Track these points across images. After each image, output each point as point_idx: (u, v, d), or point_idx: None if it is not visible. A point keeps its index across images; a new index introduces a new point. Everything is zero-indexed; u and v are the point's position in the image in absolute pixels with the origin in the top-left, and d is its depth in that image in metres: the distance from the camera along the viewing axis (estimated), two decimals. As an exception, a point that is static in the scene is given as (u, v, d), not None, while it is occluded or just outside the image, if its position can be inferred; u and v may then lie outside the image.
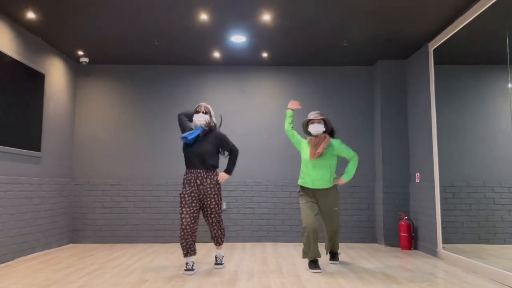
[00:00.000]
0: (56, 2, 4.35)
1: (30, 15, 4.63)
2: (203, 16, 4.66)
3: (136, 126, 6.40)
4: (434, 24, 4.86)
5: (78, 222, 6.18)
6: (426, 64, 5.44)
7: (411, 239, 5.64)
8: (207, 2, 4.34)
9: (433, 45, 5.20)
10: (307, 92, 6.48)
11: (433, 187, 5.14)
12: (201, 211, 4.43)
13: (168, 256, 5.04)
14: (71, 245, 6.02)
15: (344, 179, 4.30)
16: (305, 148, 4.32)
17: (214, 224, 4.24)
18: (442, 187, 4.95)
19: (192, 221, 4.00)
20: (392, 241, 5.89)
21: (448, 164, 4.86)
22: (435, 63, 5.22)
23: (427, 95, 5.40)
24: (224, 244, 6.04)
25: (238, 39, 5.35)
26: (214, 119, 4.34)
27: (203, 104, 4.29)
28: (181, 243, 4.01)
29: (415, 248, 5.67)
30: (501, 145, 3.82)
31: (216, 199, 4.19)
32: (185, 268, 4.05)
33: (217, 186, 4.20)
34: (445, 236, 4.88)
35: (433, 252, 5.11)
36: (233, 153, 4.32)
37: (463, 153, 4.53)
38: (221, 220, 4.28)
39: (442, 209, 4.94)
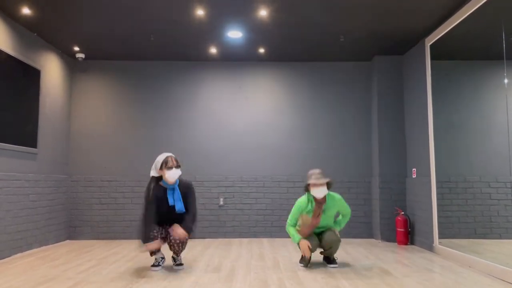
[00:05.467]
0: (52, -2, 4.32)
1: (26, 10, 4.60)
2: (199, 12, 4.65)
3: (132, 122, 6.38)
4: (430, 20, 4.86)
5: (75, 218, 6.18)
6: (422, 59, 5.44)
7: (407, 234, 5.66)
8: (204, -2, 4.32)
9: (430, 40, 5.20)
10: (303, 88, 6.48)
11: (430, 182, 5.16)
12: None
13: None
14: (68, 241, 6.01)
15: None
16: (309, 214, 4.20)
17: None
18: (439, 182, 4.97)
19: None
20: (389, 236, 5.91)
21: (444, 159, 4.87)
22: (431, 59, 5.22)
23: (423, 91, 5.40)
24: (221, 240, 6.05)
25: (234, 34, 5.34)
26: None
27: (171, 156, 3.99)
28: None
29: (412, 243, 5.70)
30: (497, 140, 3.83)
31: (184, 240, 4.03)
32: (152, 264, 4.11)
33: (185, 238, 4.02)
34: (442, 231, 4.90)
35: (430, 247, 5.13)
36: (192, 215, 4.02)
37: (459, 148, 4.55)
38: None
39: (438, 204, 4.96)
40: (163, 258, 4.21)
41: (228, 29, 5.18)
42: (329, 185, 4.20)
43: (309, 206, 4.19)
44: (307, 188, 4.23)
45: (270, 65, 6.52)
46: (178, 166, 3.98)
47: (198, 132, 6.38)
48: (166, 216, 4.04)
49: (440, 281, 3.58)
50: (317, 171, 4.19)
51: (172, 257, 4.21)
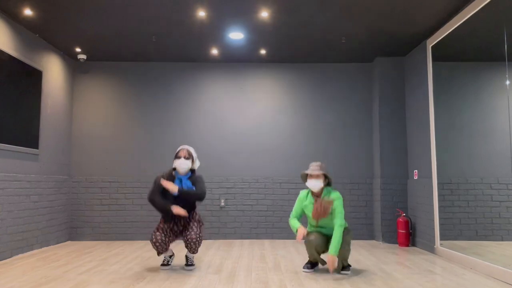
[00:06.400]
0: (53, -1, 4.33)
1: (28, 12, 4.61)
2: (201, 13, 4.65)
3: (134, 123, 6.38)
4: (432, 21, 4.86)
5: (76, 219, 6.18)
6: (424, 61, 5.44)
7: (408, 235, 5.65)
8: (205, -1, 4.33)
9: (431, 42, 5.20)
10: (305, 89, 6.48)
11: (431, 184, 5.15)
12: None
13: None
14: (69, 242, 6.02)
15: (334, 255, 3.81)
16: (308, 207, 4.08)
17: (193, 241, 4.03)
18: (440, 184, 4.96)
19: (165, 240, 4.01)
20: (390, 238, 5.90)
21: (446, 161, 4.87)
22: (433, 60, 5.22)
23: (425, 92, 5.40)
24: (222, 241, 6.05)
25: (236, 36, 5.34)
26: (197, 162, 4.19)
27: (185, 148, 4.11)
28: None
29: (413, 245, 5.69)
30: (499, 142, 3.83)
31: (196, 225, 4.09)
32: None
33: (197, 217, 4.16)
34: (443, 232, 4.89)
35: (431, 249, 5.12)
36: (198, 192, 4.02)
37: (461, 150, 4.54)
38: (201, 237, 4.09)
39: (439, 206, 4.95)
40: (171, 256, 4.25)
41: (229, 30, 5.19)
42: (327, 181, 4.08)
43: (308, 199, 4.10)
44: (305, 179, 4.14)
45: (271, 66, 6.52)
46: (187, 158, 4.05)
47: (200, 133, 6.38)
48: (172, 203, 4.03)
49: (442, 283, 3.58)
50: (317, 163, 4.09)
51: (186, 256, 4.22)
